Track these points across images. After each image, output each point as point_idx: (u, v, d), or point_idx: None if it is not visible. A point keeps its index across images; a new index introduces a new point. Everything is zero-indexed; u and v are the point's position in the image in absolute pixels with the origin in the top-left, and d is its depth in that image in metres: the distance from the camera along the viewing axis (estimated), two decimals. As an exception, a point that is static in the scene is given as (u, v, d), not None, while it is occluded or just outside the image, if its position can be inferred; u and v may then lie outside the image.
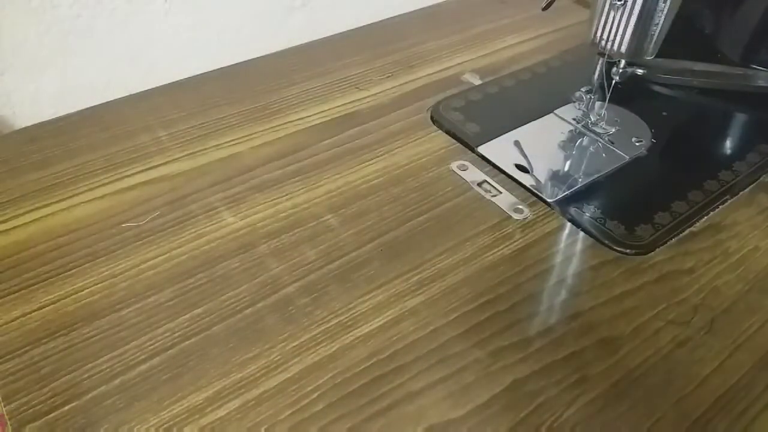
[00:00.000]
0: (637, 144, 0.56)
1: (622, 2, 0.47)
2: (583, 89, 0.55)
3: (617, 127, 0.56)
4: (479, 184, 0.51)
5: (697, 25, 0.70)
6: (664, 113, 0.61)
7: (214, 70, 0.63)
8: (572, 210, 0.49)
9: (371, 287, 0.43)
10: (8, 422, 0.34)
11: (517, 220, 0.48)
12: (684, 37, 0.64)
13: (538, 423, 0.36)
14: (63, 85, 0.57)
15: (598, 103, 0.55)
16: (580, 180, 0.52)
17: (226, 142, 0.54)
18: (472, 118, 0.58)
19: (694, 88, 0.64)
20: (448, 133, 0.56)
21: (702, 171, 0.53)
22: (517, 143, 0.56)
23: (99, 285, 0.42)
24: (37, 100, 0.57)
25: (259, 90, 0.60)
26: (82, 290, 0.41)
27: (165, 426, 0.35)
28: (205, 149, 0.53)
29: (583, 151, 0.56)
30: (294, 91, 0.60)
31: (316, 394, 0.36)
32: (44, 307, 0.40)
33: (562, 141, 0.56)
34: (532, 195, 0.50)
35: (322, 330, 0.40)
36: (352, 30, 0.70)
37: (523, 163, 0.53)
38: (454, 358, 0.39)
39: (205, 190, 0.49)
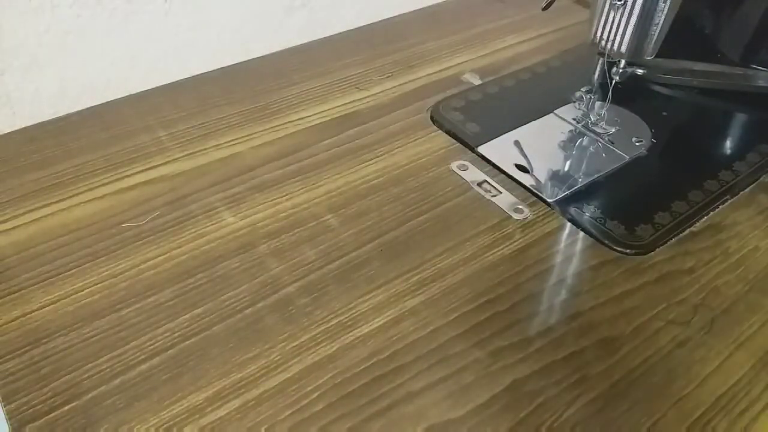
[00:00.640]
0: (637, 144, 0.56)
1: (622, 2, 0.47)
2: (583, 89, 0.55)
3: (617, 127, 0.56)
4: (479, 184, 0.51)
5: (697, 25, 0.70)
6: (664, 113, 0.61)
7: (214, 70, 0.63)
8: (572, 210, 0.49)
9: (371, 287, 0.43)
10: None
11: (517, 220, 0.48)
12: (684, 37, 0.64)
13: (538, 423, 0.36)
14: (63, 85, 0.57)
15: (598, 103, 0.55)
16: (580, 180, 0.52)
17: (226, 142, 0.54)
18: (472, 118, 0.58)
19: (694, 88, 0.64)
20: (448, 133, 0.56)
21: (702, 171, 0.53)
22: (517, 143, 0.56)
23: (99, 285, 0.42)
24: (37, 100, 0.57)
25: (259, 90, 0.60)
26: (82, 290, 0.41)
27: (165, 426, 0.35)
28: (205, 149, 0.53)
29: (583, 151, 0.56)
30: (294, 91, 0.60)
31: (316, 394, 0.36)
32: (44, 307, 0.40)
33: (562, 141, 0.56)
34: (532, 195, 0.50)
35: (322, 330, 0.40)
36: (352, 30, 0.70)
37: (523, 163, 0.53)
38: (454, 358, 0.39)
39: (205, 190, 0.49)
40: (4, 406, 0.35)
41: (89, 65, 0.58)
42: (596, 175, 0.52)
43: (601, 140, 0.56)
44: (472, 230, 0.47)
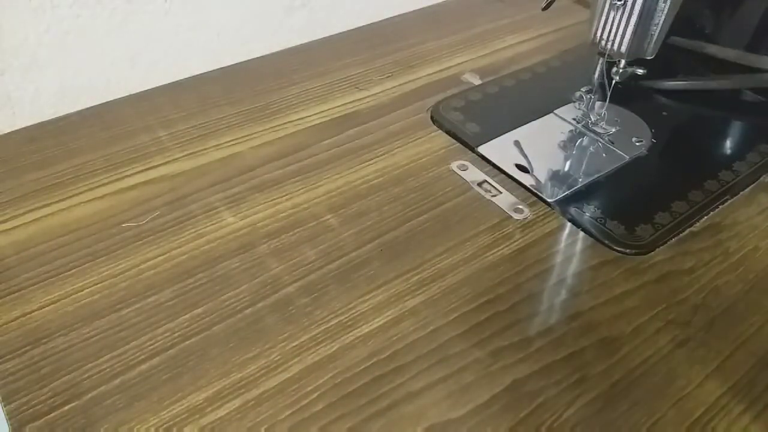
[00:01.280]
0: (637, 144, 0.56)
1: (622, 2, 0.47)
2: (583, 89, 0.55)
3: (617, 127, 0.56)
4: (479, 184, 0.51)
5: (697, 25, 0.70)
6: (664, 113, 0.61)
7: (214, 70, 0.63)
8: (572, 210, 0.49)
9: (371, 287, 0.43)
10: None
11: (517, 220, 0.48)
12: (684, 37, 0.64)
13: (538, 423, 0.36)
14: (63, 85, 0.57)
15: (598, 103, 0.55)
16: (580, 180, 0.52)
17: (226, 142, 0.54)
18: (472, 118, 0.58)
19: (693, 88, 0.64)
20: (448, 133, 0.56)
21: (702, 171, 0.53)
22: (517, 143, 0.56)
23: (99, 285, 0.42)
24: (37, 100, 0.57)
25: (259, 90, 0.60)
26: (82, 290, 0.41)
27: (165, 426, 0.35)
28: (205, 149, 0.53)
29: (583, 151, 0.56)
30: (294, 91, 0.60)
31: (316, 394, 0.36)
32: (44, 307, 0.40)
33: (562, 141, 0.56)
34: (532, 195, 0.50)
35: (322, 330, 0.40)
36: (352, 30, 0.70)
37: (523, 163, 0.53)
38: (454, 358, 0.39)
39: (205, 190, 0.49)
40: (4, 406, 0.35)
41: (89, 65, 0.58)
42: (596, 175, 0.52)
43: (601, 140, 0.56)
44: (472, 230, 0.47)
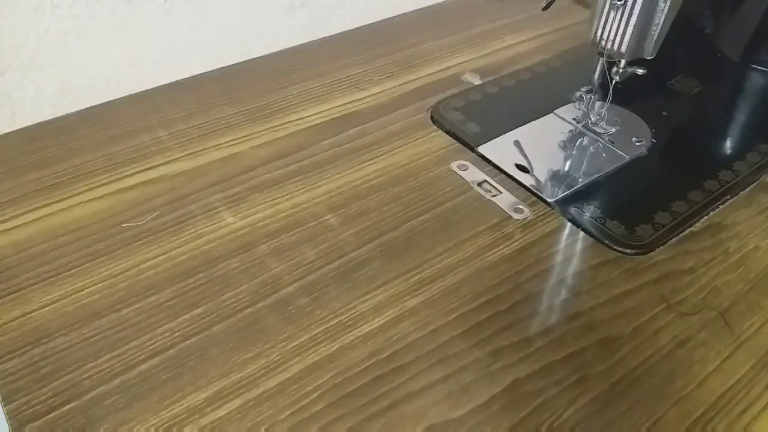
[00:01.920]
0: (637, 144, 0.56)
1: (622, 2, 0.47)
2: (583, 89, 0.55)
3: (617, 127, 0.56)
4: (479, 184, 0.51)
5: (697, 25, 0.70)
6: (664, 113, 0.61)
7: (214, 70, 0.63)
8: (572, 210, 0.49)
9: (371, 287, 0.43)
10: None
11: (517, 220, 0.48)
12: (684, 37, 0.64)
13: (538, 423, 0.36)
14: (63, 85, 0.57)
15: (598, 103, 0.55)
16: (580, 180, 0.52)
17: (226, 142, 0.54)
18: (472, 118, 0.58)
19: (694, 88, 0.64)
20: (448, 133, 0.56)
21: (702, 171, 0.53)
22: (517, 143, 0.56)
23: (99, 285, 0.42)
24: (37, 100, 0.57)
25: (259, 90, 0.60)
26: (82, 290, 0.41)
27: (165, 426, 0.35)
28: (205, 149, 0.53)
29: (583, 151, 0.56)
30: (294, 91, 0.60)
31: (316, 394, 0.36)
32: (44, 307, 0.40)
33: (562, 141, 0.56)
34: (532, 195, 0.50)
35: (322, 330, 0.40)
36: (352, 30, 0.70)
37: (523, 162, 0.53)
38: (454, 358, 0.39)
39: (205, 190, 0.49)
40: (4, 406, 0.35)
41: (89, 65, 0.58)
42: (596, 175, 0.52)
43: (601, 140, 0.56)
44: (472, 230, 0.47)
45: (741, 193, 0.52)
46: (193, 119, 0.56)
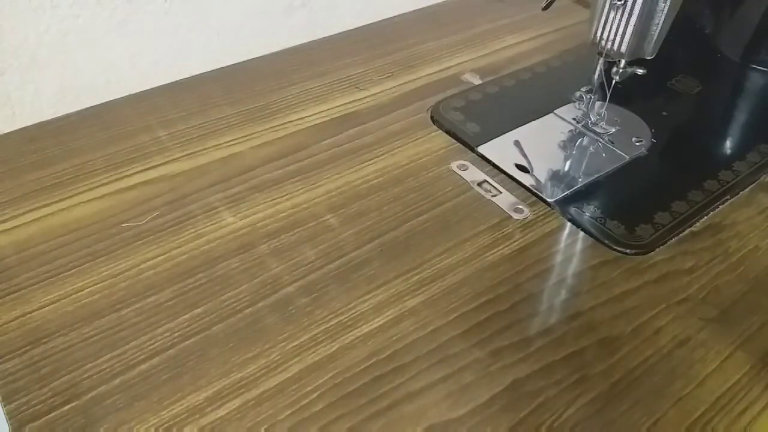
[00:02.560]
0: (637, 144, 0.56)
1: (622, 2, 0.47)
2: (583, 89, 0.55)
3: (617, 127, 0.56)
4: (479, 184, 0.51)
5: (697, 25, 0.70)
6: (664, 113, 0.61)
7: (214, 70, 0.63)
8: (572, 210, 0.49)
9: (371, 287, 0.43)
10: None
11: (517, 220, 0.48)
12: (684, 37, 0.64)
13: (538, 423, 0.36)
14: (63, 85, 0.57)
15: (598, 103, 0.55)
16: (580, 180, 0.52)
17: (226, 142, 0.54)
18: (472, 117, 0.58)
19: (694, 88, 0.64)
20: (448, 132, 0.56)
21: (702, 171, 0.53)
22: (517, 143, 0.56)
23: (99, 285, 0.42)
24: (37, 100, 0.57)
25: (259, 90, 0.60)
26: (82, 290, 0.41)
27: (165, 426, 0.35)
28: (205, 149, 0.53)
29: (583, 151, 0.56)
30: (294, 91, 0.60)
31: (316, 394, 0.36)
32: (44, 307, 0.40)
33: (562, 141, 0.56)
34: (532, 195, 0.50)
35: (322, 330, 0.40)
36: (352, 30, 0.70)
37: (523, 162, 0.53)
38: (454, 358, 0.39)
39: (205, 190, 0.49)
40: (4, 406, 0.35)
41: (89, 65, 0.58)
42: (596, 175, 0.52)
43: (601, 140, 0.56)
44: (472, 230, 0.47)
45: (741, 193, 0.52)
46: (193, 119, 0.56)
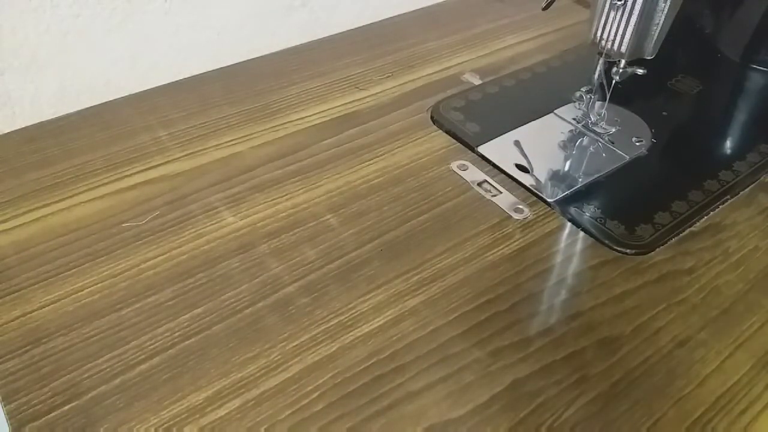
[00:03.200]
0: (637, 144, 0.56)
1: (622, 2, 0.47)
2: (583, 89, 0.55)
3: (617, 127, 0.56)
4: (479, 184, 0.51)
5: (697, 25, 0.70)
6: (664, 113, 0.61)
7: (214, 70, 0.63)
8: (572, 210, 0.49)
9: (371, 287, 0.43)
10: None
11: (517, 219, 0.48)
12: (684, 37, 0.64)
13: (538, 423, 0.36)
14: (63, 85, 0.57)
15: (598, 103, 0.55)
16: (580, 180, 0.52)
17: (226, 142, 0.54)
18: (472, 117, 0.58)
19: (694, 88, 0.64)
20: (448, 132, 0.56)
21: (702, 171, 0.53)
22: (517, 143, 0.56)
23: (99, 285, 0.42)
24: (37, 100, 0.57)
25: (259, 90, 0.60)
26: (82, 290, 0.41)
27: (165, 426, 0.35)
28: (205, 149, 0.53)
29: (583, 150, 0.56)
30: (294, 91, 0.60)
31: (316, 394, 0.36)
32: (44, 307, 0.40)
33: (562, 141, 0.56)
34: (532, 195, 0.50)
35: (322, 330, 0.40)
36: (352, 30, 0.70)
37: (523, 162, 0.53)
38: (454, 358, 0.39)
39: (205, 190, 0.49)
40: (4, 406, 0.35)
41: (89, 65, 0.58)
42: (596, 175, 0.52)
43: (601, 140, 0.56)
44: (472, 230, 0.47)
45: (741, 193, 0.52)
46: (193, 119, 0.56)
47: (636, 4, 0.47)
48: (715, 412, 0.37)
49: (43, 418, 0.35)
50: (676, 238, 0.47)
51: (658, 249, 0.46)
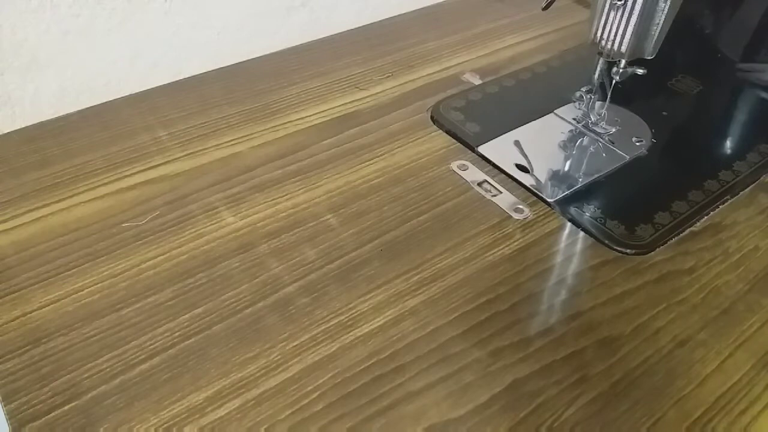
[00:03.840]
0: (637, 144, 0.56)
1: (622, 2, 0.47)
2: (583, 89, 0.55)
3: (617, 127, 0.56)
4: (479, 184, 0.51)
5: (697, 25, 0.70)
6: (664, 113, 0.61)
7: (214, 70, 0.63)
8: (572, 210, 0.49)
9: (371, 287, 0.43)
10: None
11: (517, 219, 0.48)
12: (684, 37, 0.64)
13: (538, 423, 0.36)
14: (63, 85, 0.57)
15: (598, 103, 0.55)
16: (580, 180, 0.52)
17: (226, 142, 0.54)
18: (473, 117, 0.58)
19: (694, 88, 0.64)
20: (448, 132, 0.56)
21: (702, 171, 0.53)
22: (517, 143, 0.56)
23: (99, 285, 0.42)
24: (37, 100, 0.57)
25: (259, 90, 0.60)
26: (82, 290, 0.41)
27: (165, 426, 0.35)
28: (205, 149, 0.53)
29: (583, 150, 0.56)
30: (294, 90, 0.60)
31: (316, 394, 0.36)
32: (44, 307, 0.40)
33: (563, 141, 0.56)
34: (532, 195, 0.50)
35: (322, 330, 0.40)
36: (352, 30, 0.70)
37: (524, 162, 0.53)
38: (454, 357, 0.39)
39: (205, 190, 0.49)
40: (4, 406, 0.35)
41: (89, 65, 0.58)
42: (596, 175, 0.52)
43: (601, 140, 0.56)
44: (472, 230, 0.47)
45: (741, 193, 0.52)
46: (193, 119, 0.56)
47: (636, 4, 0.47)
48: (715, 412, 0.37)
49: (43, 418, 0.35)
50: (676, 238, 0.47)
51: (658, 249, 0.46)
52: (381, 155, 0.53)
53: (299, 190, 0.50)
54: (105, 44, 0.58)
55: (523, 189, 0.51)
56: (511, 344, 0.40)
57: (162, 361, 0.38)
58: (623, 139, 0.56)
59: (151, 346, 0.38)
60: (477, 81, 0.63)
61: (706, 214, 0.49)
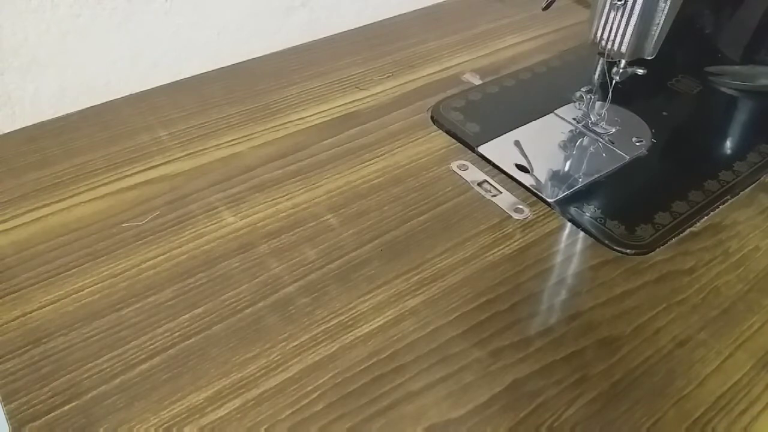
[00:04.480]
0: (637, 144, 0.56)
1: (622, 2, 0.47)
2: (583, 89, 0.55)
3: (617, 127, 0.56)
4: (479, 184, 0.51)
5: (697, 25, 0.70)
6: (664, 113, 0.61)
7: (214, 70, 0.63)
8: (572, 210, 0.49)
9: (371, 287, 0.43)
10: None
11: (518, 219, 0.48)
12: (684, 37, 0.64)
13: (538, 423, 0.36)
14: (63, 85, 0.57)
15: (598, 103, 0.56)
16: (580, 180, 0.52)
17: (226, 142, 0.54)
18: (473, 117, 0.58)
19: (694, 88, 0.64)
20: (448, 132, 0.56)
21: (702, 171, 0.53)
22: (517, 143, 0.56)
23: (99, 285, 0.42)
24: (37, 100, 0.57)
25: (259, 90, 0.60)
26: (82, 290, 0.41)
27: (165, 426, 0.35)
28: (206, 149, 0.53)
29: (583, 151, 0.56)
30: (294, 90, 0.60)
31: (316, 394, 0.36)
32: (44, 307, 0.40)
33: (563, 141, 0.56)
34: (532, 195, 0.50)
35: (322, 330, 0.40)
36: (352, 30, 0.70)
37: (524, 162, 0.53)
38: (454, 357, 0.39)
39: (205, 190, 0.49)
40: (4, 406, 0.35)
41: (89, 65, 0.58)
42: (596, 175, 0.52)
43: (601, 140, 0.56)
44: (472, 230, 0.47)
45: (741, 193, 0.52)
46: (193, 119, 0.56)
47: (636, 4, 0.47)
48: (715, 412, 0.37)
49: (43, 418, 0.35)
50: (676, 238, 0.47)
51: (658, 249, 0.46)
52: (381, 155, 0.53)
53: (299, 190, 0.50)
54: (105, 44, 0.58)
55: (523, 189, 0.51)
56: (511, 344, 0.40)
57: (162, 361, 0.38)
58: (623, 139, 0.56)
59: (151, 346, 0.38)
60: (477, 81, 0.63)
61: (706, 215, 0.49)
